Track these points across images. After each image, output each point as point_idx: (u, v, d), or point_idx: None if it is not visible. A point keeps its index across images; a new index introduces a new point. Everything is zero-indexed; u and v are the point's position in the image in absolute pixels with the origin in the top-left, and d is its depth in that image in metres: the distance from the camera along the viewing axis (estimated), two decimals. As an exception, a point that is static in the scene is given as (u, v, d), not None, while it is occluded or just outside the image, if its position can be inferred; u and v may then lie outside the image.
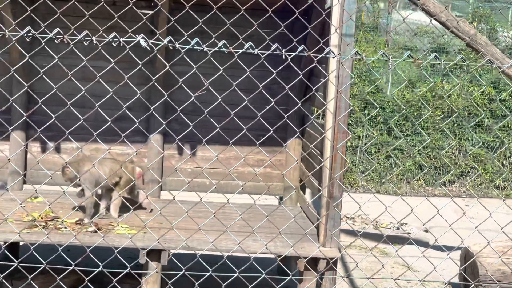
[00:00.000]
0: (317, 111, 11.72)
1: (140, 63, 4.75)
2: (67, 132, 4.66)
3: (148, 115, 8.58)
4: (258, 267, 5.51)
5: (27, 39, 3.95)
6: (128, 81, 4.97)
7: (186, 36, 4.31)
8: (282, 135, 9.04)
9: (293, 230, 6.98)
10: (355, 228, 12.63)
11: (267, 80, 5.48)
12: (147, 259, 6.33)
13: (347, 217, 13.17)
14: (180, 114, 6.59)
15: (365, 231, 12.40)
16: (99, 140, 5.52)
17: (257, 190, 9.16)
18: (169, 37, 3.88)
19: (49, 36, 3.75)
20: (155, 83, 4.90)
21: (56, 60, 4.27)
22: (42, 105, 4.94)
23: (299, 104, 7.39)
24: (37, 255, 5.01)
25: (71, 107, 5.12)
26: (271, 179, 9.32)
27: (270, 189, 9.27)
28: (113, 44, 3.61)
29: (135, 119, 5.03)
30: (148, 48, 3.74)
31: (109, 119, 4.82)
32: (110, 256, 5.18)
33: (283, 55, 3.88)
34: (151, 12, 8.27)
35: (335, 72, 6.43)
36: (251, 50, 4.15)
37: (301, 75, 5.28)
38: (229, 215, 7.69)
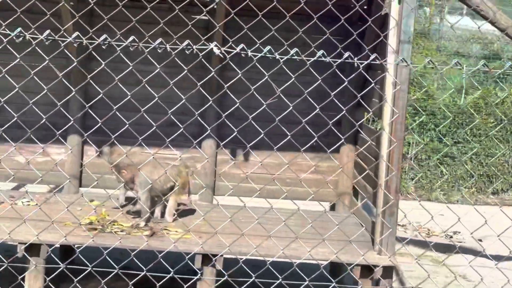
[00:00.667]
0: (371, 117, 11.64)
1: (184, 68, 4.77)
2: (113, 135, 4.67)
3: (202, 120, 8.62)
4: (303, 274, 5.49)
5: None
6: (173, 86, 4.99)
7: (258, 44, 4.30)
8: (335, 141, 8.99)
9: (346, 237, 6.94)
10: (407, 235, 12.50)
11: (313, 85, 5.42)
12: (201, 264, 6.36)
13: (399, 225, 13.05)
14: (233, 119, 6.62)
15: (416, 239, 12.27)
16: (153, 145, 5.55)
17: (309, 196, 9.11)
18: (242, 45, 3.88)
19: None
20: (203, 89, 4.91)
21: (103, 65, 4.31)
22: (97, 110, 4.99)
23: (348, 108, 7.33)
24: (92, 259, 5.06)
25: (123, 112, 5.15)
26: (324, 185, 9.28)
27: (323, 196, 9.23)
28: (186, 51, 3.63)
29: (203, 123, 5.04)
30: (221, 56, 3.74)
31: (155, 124, 4.84)
32: (164, 260, 5.21)
33: (355, 63, 3.86)
34: (203, 17, 8.33)
35: (391, 79, 6.38)
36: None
37: (347, 81, 5.23)
38: (280, 221, 7.66)
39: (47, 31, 3.46)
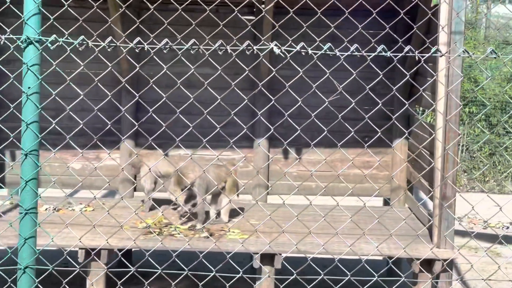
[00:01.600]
0: (423, 111, 11.54)
1: (241, 68, 4.76)
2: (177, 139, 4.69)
3: (254, 120, 8.63)
4: (370, 269, 5.46)
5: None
6: (234, 87, 5.00)
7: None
8: (388, 136, 8.94)
9: (404, 232, 6.89)
10: (462, 228, 12.36)
11: (373, 82, 5.39)
12: (260, 263, 6.37)
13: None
14: (286, 118, 6.60)
15: (472, 231, 12.13)
16: (207, 146, 5.57)
17: (363, 192, 9.09)
18: (302, 43, 3.87)
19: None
20: (254, 89, 4.89)
21: (165, 69, 4.34)
22: (153, 114, 5.01)
23: (407, 105, 7.28)
24: (152, 261, 5.09)
25: (177, 115, 5.17)
26: (378, 180, 9.23)
27: (377, 191, 9.19)
28: (246, 52, 3.64)
29: (242, 124, 5.03)
30: (282, 55, 3.73)
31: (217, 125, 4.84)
32: (221, 261, 5.23)
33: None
34: (254, 18, 8.35)
35: (445, 71, 6.32)
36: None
37: (408, 76, 5.20)
38: (338, 217, 7.66)
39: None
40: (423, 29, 7.49)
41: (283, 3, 6.16)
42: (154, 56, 4.41)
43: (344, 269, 5.20)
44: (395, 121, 8.56)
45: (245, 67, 4.40)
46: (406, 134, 8.89)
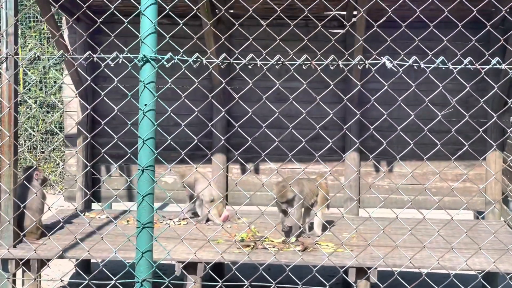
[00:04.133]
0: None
1: (327, 82, 4.76)
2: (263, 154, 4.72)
3: (344, 134, 8.61)
4: (460, 284, 5.37)
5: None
6: (319, 101, 5.01)
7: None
8: (481, 148, 8.77)
9: (498, 246, 6.75)
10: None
11: (462, 93, 5.30)
12: (348, 278, 6.34)
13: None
14: (374, 131, 6.56)
15: None
16: (293, 160, 5.58)
17: (456, 205, 8.96)
18: (414, 57, 3.86)
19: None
20: (347, 102, 4.86)
21: (250, 84, 4.39)
22: (239, 129, 5.05)
23: (495, 117, 7.14)
24: (238, 274, 5.13)
25: (265, 129, 5.22)
26: (471, 193, 9.07)
27: (470, 204, 9.03)
28: (358, 67, 3.66)
29: (328, 139, 5.02)
30: (394, 69, 3.74)
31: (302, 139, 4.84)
32: (314, 274, 5.23)
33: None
34: (342, 31, 8.34)
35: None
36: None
37: (496, 88, 5.08)
38: (431, 231, 7.55)
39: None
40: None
41: (368, 18, 6.13)
42: (240, 72, 4.47)
43: (432, 284, 5.13)
44: (483, 134, 8.40)
45: (330, 82, 4.40)
46: (497, 146, 8.72)
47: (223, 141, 8.76)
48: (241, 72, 4.56)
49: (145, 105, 3.45)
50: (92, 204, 9.75)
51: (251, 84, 4.25)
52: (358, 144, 8.76)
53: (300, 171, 8.79)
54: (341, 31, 8.67)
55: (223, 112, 8.56)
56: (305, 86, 4.22)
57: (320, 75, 4.86)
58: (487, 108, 5.57)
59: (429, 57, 4.20)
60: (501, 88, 8.22)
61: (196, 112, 4.36)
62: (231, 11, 9.05)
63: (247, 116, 5.10)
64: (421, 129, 7.60)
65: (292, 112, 8.19)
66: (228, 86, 8.89)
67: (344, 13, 8.70)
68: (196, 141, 4.74)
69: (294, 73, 4.25)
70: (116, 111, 3.99)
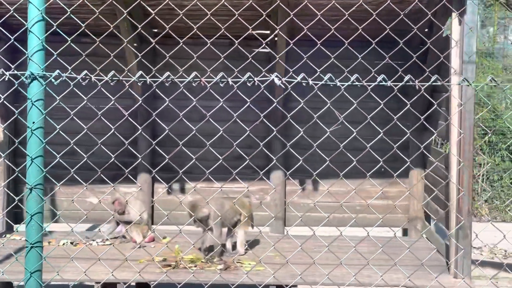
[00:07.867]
0: (437, 140, 11.50)
1: (247, 101, 4.79)
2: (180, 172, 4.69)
3: (268, 152, 8.64)
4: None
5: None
6: (237, 119, 5.01)
7: (318, 72, 4.31)
8: (403, 166, 8.88)
9: (419, 262, 6.83)
10: (482, 258, 12.23)
11: (376, 110, 5.34)
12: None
13: (474, 247, 12.79)
14: (299, 149, 6.60)
15: (493, 261, 12.01)
16: (212, 179, 5.56)
17: (382, 223, 9.04)
18: (302, 74, 3.88)
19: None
20: (268, 121, 4.90)
21: (167, 102, 4.37)
22: (156, 147, 5.03)
23: (408, 133, 7.25)
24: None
25: (183, 147, 5.18)
26: (394, 210, 9.19)
27: (394, 221, 9.14)
28: (248, 84, 3.67)
29: (246, 157, 5.03)
30: (283, 86, 3.77)
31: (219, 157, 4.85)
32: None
33: (417, 86, 3.80)
34: (265, 50, 8.38)
35: (457, 99, 6.31)
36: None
37: (408, 105, 5.17)
38: (358, 248, 7.60)
39: (112, 72, 3.53)
40: (435, 58, 7.50)
41: (285, 37, 6.17)
42: (156, 90, 4.45)
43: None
44: (397, 150, 8.53)
45: (246, 99, 4.42)
46: (408, 163, 8.85)
47: (141, 160, 8.68)
48: (157, 90, 4.52)
49: (33, 122, 3.40)
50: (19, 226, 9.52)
51: (167, 103, 4.24)
52: (275, 161, 8.78)
53: (226, 190, 8.77)
54: (265, 50, 8.73)
55: (140, 130, 8.50)
56: (222, 104, 4.22)
57: (244, 94, 4.86)
58: (400, 125, 5.61)
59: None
60: (419, 106, 8.36)
61: (113, 130, 4.32)
62: (155, 30, 9.02)
63: (164, 134, 5.08)
64: (344, 147, 7.67)
65: (216, 131, 8.14)
66: (152, 105, 8.82)
67: (268, 32, 8.75)
68: (113, 159, 4.69)
69: (211, 90, 4.26)
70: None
